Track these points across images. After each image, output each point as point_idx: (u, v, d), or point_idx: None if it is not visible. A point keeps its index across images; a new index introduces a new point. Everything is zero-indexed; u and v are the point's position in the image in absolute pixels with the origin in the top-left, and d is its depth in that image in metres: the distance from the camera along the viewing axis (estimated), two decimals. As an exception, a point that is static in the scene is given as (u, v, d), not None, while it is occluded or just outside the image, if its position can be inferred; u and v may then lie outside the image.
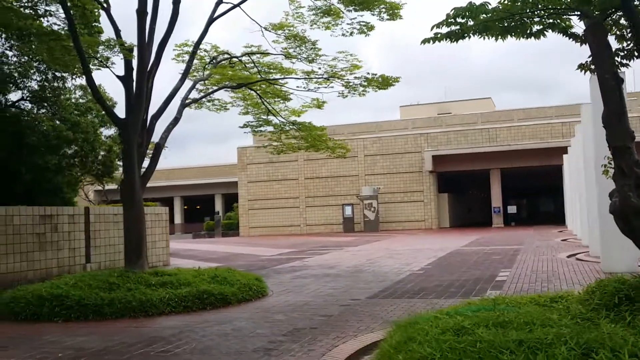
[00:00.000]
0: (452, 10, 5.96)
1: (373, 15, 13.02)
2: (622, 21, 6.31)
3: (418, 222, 41.00)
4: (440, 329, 5.24)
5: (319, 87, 14.35)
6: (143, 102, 10.96)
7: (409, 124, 56.16)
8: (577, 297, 6.24)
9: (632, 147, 5.28)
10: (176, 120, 12.21)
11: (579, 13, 5.81)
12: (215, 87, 14.29)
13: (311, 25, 14.50)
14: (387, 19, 12.99)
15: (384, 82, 13.67)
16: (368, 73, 13.67)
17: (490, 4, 5.94)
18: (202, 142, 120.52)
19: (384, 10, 12.75)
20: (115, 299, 9.20)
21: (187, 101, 12.88)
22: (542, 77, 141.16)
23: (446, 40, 6.41)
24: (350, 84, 13.95)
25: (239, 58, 14.49)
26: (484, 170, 41.25)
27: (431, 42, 6.45)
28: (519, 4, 5.81)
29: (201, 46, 14.70)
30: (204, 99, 14.47)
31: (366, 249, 22.32)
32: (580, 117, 48.37)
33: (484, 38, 6.52)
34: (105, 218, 16.31)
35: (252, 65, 14.61)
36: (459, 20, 6.03)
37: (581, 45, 6.46)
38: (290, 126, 15.45)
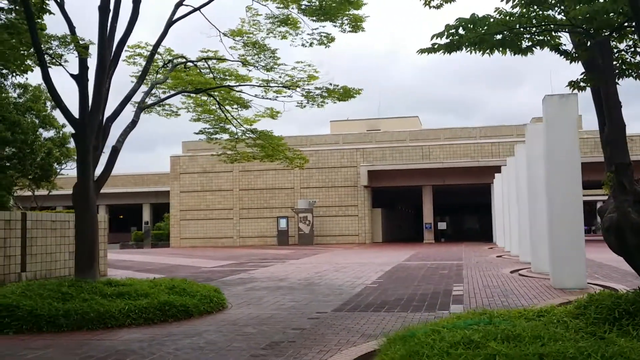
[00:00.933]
0: (456, 20, 5.94)
1: (335, 26, 12.97)
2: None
3: (352, 237, 41.21)
4: (448, 342, 5.14)
5: (277, 96, 14.16)
6: (102, 103, 10.46)
7: (340, 139, 56.71)
8: (564, 311, 6.29)
9: (632, 165, 5.39)
10: (134, 123, 11.71)
11: (579, 30, 5.91)
12: (173, 92, 13.83)
13: (267, 34, 14.32)
14: (350, 31, 12.98)
15: (345, 94, 13.62)
16: (330, 84, 13.62)
17: (492, 17, 5.96)
18: (127, 149, 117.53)
19: (347, 21, 12.73)
20: (71, 309, 8.64)
21: (143, 104, 12.39)
22: (462, 99, 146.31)
23: (442, 51, 6.40)
24: (311, 94, 13.83)
25: (195, 63, 14.10)
26: (416, 186, 42.01)
27: (427, 53, 6.43)
28: (524, 18, 5.84)
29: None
30: (158, 103, 13.96)
31: (309, 262, 22.15)
32: (506, 137, 49.40)
33: (475, 52, 6.56)
34: (43, 225, 15.45)
35: (208, 71, 14.25)
36: (460, 31, 6.01)
37: (571, 62, 6.60)
38: (249, 134, 15.13)
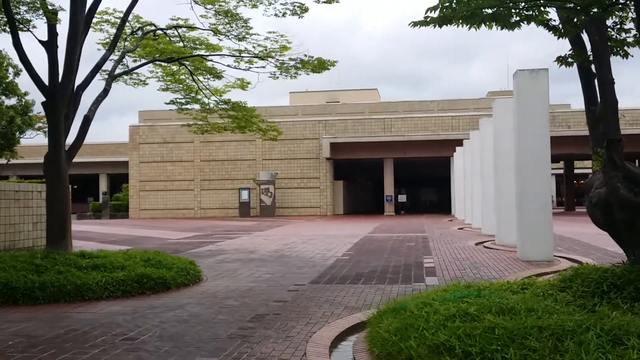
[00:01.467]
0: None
1: (308, -4, 12.79)
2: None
3: (314, 209, 41.36)
4: (443, 315, 5.22)
5: (250, 67, 13.93)
6: (74, 71, 10.13)
7: (300, 110, 56.55)
8: (548, 284, 6.45)
9: (622, 141, 5.51)
10: (105, 92, 11.38)
11: (571, 6, 5.97)
12: (144, 60, 13.47)
13: (238, 2, 14.03)
14: (324, 1, 12.81)
15: (320, 65, 13.49)
16: (305, 55, 13.47)
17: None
18: (78, 119, 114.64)
19: (321, -10, 12.55)
20: (47, 282, 8.46)
21: (115, 72, 12.05)
22: (417, 73, 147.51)
23: (434, 25, 6.39)
24: (285, 65, 13.65)
25: (164, 31, 13.75)
26: (378, 159, 42.27)
27: (419, 25, 6.41)
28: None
29: (120, 16, 13.87)
30: (130, 72, 13.59)
31: (275, 234, 22.16)
32: (464, 111, 50.02)
33: (463, 25, 6.57)
34: (6, 195, 15.00)
35: (178, 39, 13.93)
36: (453, 5, 6.01)
37: (559, 38, 6.67)
38: (222, 105, 14.89)
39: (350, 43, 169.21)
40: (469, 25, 6.54)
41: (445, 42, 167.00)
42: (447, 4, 6.01)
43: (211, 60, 13.98)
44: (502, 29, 6.66)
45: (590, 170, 55.08)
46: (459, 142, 32.89)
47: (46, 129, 27.69)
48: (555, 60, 6.73)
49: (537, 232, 12.72)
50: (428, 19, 6.24)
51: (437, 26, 6.36)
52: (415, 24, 6.34)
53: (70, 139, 11.14)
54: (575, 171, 56.79)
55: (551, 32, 6.62)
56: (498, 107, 16.84)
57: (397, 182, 48.64)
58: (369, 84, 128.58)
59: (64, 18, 10.48)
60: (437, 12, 6.20)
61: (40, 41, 10.61)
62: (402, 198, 45.95)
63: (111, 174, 56.26)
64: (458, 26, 6.58)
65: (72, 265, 9.31)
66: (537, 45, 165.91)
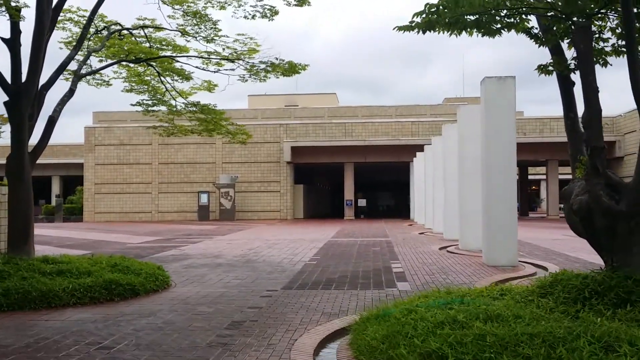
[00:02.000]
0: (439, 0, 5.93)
1: (281, -1, 12.68)
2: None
3: (274, 212, 41.16)
4: (431, 322, 5.20)
5: (219, 69, 13.73)
6: (39, 70, 9.80)
7: (259, 114, 56.34)
8: (526, 290, 6.50)
9: (605, 148, 5.59)
10: (71, 92, 11.04)
11: (552, 14, 6.04)
12: (111, 60, 13.14)
13: (205, 3, 13.84)
14: (295, 4, 12.72)
15: (291, 69, 13.37)
16: (276, 58, 13.34)
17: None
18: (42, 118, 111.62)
19: (293, -6, 12.48)
20: (10, 288, 8.15)
21: (80, 73, 11.70)
22: (374, 79, 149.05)
23: (418, 30, 6.39)
24: (255, 68, 13.50)
25: (130, 31, 13.45)
26: (339, 163, 42.36)
27: (404, 30, 6.40)
28: (507, 2, 5.90)
29: (84, 14, 13.54)
30: (97, 72, 13.23)
31: (237, 238, 21.93)
32: (422, 117, 50.57)
33: (444, 32, 6.59)
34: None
35: (145, 40, 13.64)
36: (441, 10, 6.01)
37: (539, 46, 6.75)
38: (191, 108, 14.62)
39: (307, 47, 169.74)
40: (450, 32, 6.57)
41: (401, 49, 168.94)
42: (433, 10, 6.01)
43: (180, 62, 13.75)
44: (483, 35, 6.71)
45: (542, 177, 56.15)
46: (418, 147, 33.23)
47: (1, 130, 26.82)
48: (535, 69, 6.80)
49: (503, 237, 12.89)
50: (413, 24, 6.23)
51: (421, 32, 6.36)
52: (400, 28, 6.33)
53: (34, 139, 10.78)
54: (529, 177, 58.06)
55: (532, 40, 6.69)
56: (463, 114, 17.04)
57: (356, 187, 48.86)
58: (326, 89, 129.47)
59: (27, 15, 10.13)
60: (422, 17, 6.19)
61: (2, 39, 10.24)
62: (362, 202, 46.14)
63: (64, 176, 54.85)
64: (439, 32, 6.59)
65: (36, 271, 9.00)
66: (489, 53, 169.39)
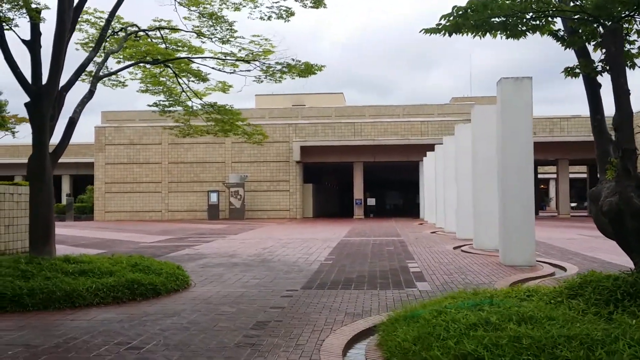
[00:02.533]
0: (467, 2, 5.94)
1: (296, 0, 12.71)
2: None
3: (283, 212, 41.21)
4: (463, 324, 5.20)
5: (235, 70, 13.76)
6: (60, 71, 9.85)
7: (266, 114, 56.33)
8: (553, 291, 6.50)
9: (637, 150, 5.59)
10: (91, 93, 11.10)
11: (578, 17, 6.03)
12: (129, 62, 13.19)
13: (220, 4, 13.87)
14: (311, 6, 12.75)
15: (307, 70, 13.39)
16: (293, 59, 13.36)
17: (499, 0, 5.99)
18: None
19: (309, -4, 12.49)
20: (35, 288, 8.20)
21: (100, 74, 11.76)
22: (380, 79, 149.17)
23: (444, 32, 6.39)
24: (271, 68, 13.52)
25: (147, 32, 13.50)
26: (348, 163, 42.36)
27: (430, 33, 6.41)
28: (527, 3, 5.90)
29: (101, 15, 13.60)
30: (116, 73, 13.28)
31: (250, 238, 21.98)
32: (430, 116, 50.64)
33: (468, 34, 6.59)
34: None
35: (161, 41, 13.69)
36: (468, 13, 6.01)
37: (565, 48, 6.74)
38: (208, 108, 14.65)
39: (315, 47, 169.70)
40: (475, 34, 6.58)
41: (406, 50, 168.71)
42: (460, 12, 6.02)
43: (196, 63, 13.79)
44: (507, 37, 6.71)
45: (551, 176, 56.01)
46: (428, 147, 33.23)
47: (15, 130, 27.05)
48: (562, 72, 6.81)
49: (520, 237, 12.87)
50: (440, 27, 6.24)
51: (447, 34, 6.36)
52: (427, 31, 6.33)
53: (54, 140, 10.84)
54: (538, 176, 57.88)
55: (559, 42, 6.69)
56: (477, 114, 17.00)
57: (365, 186, 48.90)
58: (333, 89, 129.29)
59: (46, 17, 10.18)
60: (450, 20, 6.20)
61: (23, 40, 10.30)
62: (371, 201, 46.15)
63: (74, 175, 55.09)
64: (464, 34, 6.60)
65: (58, 271, 9.06)
66: (493, 54, 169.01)
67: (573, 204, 55.46)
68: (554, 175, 51.53)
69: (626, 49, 6.56)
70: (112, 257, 10.61)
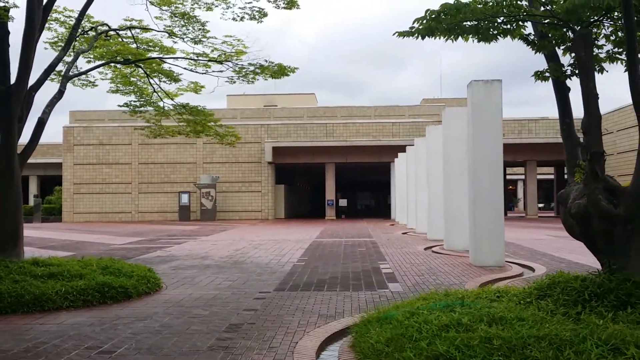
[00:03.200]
0: (440, 6, 6.01)
1: (269, 1, 12.69)
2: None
3: (255, 212, 41.09)
4: (435, 325, 5.26)
5: (207, 71, 13.68)
6: (29, 70, 9.69)
7: (238, 114, 56.19)
8: (523, 291, 6.60)
9: (605, 153, 5.71)
10: (60, 93, 10.93)
11: (548, 22, 6.14)
12: (99, 62, 13.02)
13: (192, 4, 13.79)
14: (284, 7, 12.74)
15: (280, 71, 13.38)
16: (265, 60, 13.34)
17: (471, 5, 6.07)
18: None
19: (282, -3, 12.48)
20: (3, 291, 8.07)
21: (70, 73, 11.59)
22: (348, 80, 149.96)
23: (417, 36, 6.45)
24: (244, 69, 13.47)
25: (118, 32, 13.35)
26: (320, 163, 42.41)
27: (404, 36, 6.46)
28: (498, 7, 5.99)
29: (70, 14, 13.43)
30: (86, 73, 13.09)
31: (222, 239, 21.87)
32: (401, 118, 50.92)
33: (441, 37, 6.66)
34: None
35: (132, 40, 13.55)
36: (441, 16, 6.08)
37: (536, 52, 6.86)
38: (180, 109, 14.53)
39: (284, 47, 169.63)
40: (447, 37, 6.65)
41: (376, 51, 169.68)
42: (433, 16, 6.08)
43: (168, 63, 13.68)
44: (479, 41, 6.81)
45: (519, 177, 56.82)
46: (399, 148, 33.45)
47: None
48: (532, 75, 6.92)
49: (490, 238, 13.03)
50: (413, 30, 6.30)
51: (420, 37, 6.42)
52: (400, 34, 6.39)
53: (22, 140, 10.66)
54: (507, 177, 58.67)
55: (529, 46, 6.80)
56: (448, 116, 17.18)
57: (337, 187, 49.02)
58: (303, 89, 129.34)
59: (15, 15, 10.00)
60: (423, 23, 6.26)
61: (-12, 39, 10.11)
62: (343, 202, 46.26)
63: (42, 176, 54.22)
64: (436, 38, 6.66)
65: (27, 274, 8.92)
66: (462, 56, 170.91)
67: (540, 205, 56.36)
68: (522, 177, 52.25)
69: (595, 54, 6.69)
70: (82, 259, 10.48)
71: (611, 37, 6.55)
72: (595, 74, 6.37)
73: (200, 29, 13.36)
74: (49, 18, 12.99)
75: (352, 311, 7.97)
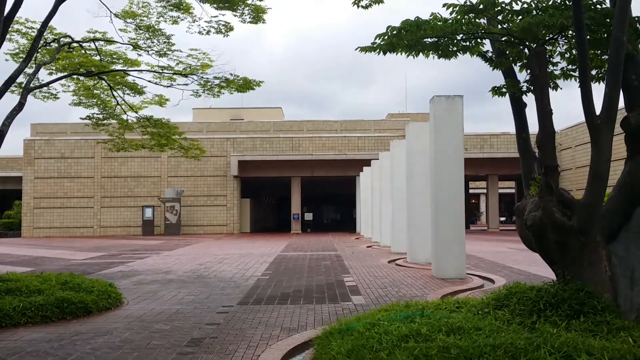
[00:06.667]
0: (401, 23, 6.14)
1: (235, 16, 12.75)
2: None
3: (220, 227, 40.83)
4: (395, 336, 5.32)
5: (172, 84, 13.63)
6: (-12, 83, 9.55)
7: (204, 127, 55.98)
8: (481, 302, 6.72)
9: (558, 167, 5.87)
10: (21, 105, 10.75)
11: (505, 39, 6.32)
12: (61, 74, 12.86)
13: (158, 17, 13.77)
14: (250, 22, 12.81)
15: (245, 85, 13.40)
16: (231, 74, 13.35)
17: (431, 22, 6.21)
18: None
19: (248, 11, 12.56)
20: (-41, 308, 7.88)
21: (31, 86, 11.43)
22: (316, 94, 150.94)
23: (379, 51, 6.57)
24: (209, 83, 13.46)
25: (81, 44, 13.24)
26: (285, 177, 42.40)
27: (366, 51, 6.58)
28: (457, 24, 6.14)
29: (32, 25, 13.29)
30: (47, 85, 12.91)
31: (186, 254, 21.68)
32: (366, 132, 51.27)
33: (403, 53, 6.80)
34: None
35: (95, 52, 13.44)
36: (402, 33, 6.21)
37: (493, 69, 7.04)
38: (144, 122, 14.41)
39: (250, 61, 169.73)
40: (408, 53, 6.79)
41: (342, 66, 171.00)
42: (394, 32, 6.21)
43: (132, 76, 13.60)
44: (439, 57, 6.96)
45: (481, 191, 57.64)
46: (365, 162, 33.70)
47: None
48: (490, 91, 7.10)
49: (452, 251, 13.21)
50: (375, 45, 6.42)
51: (381, 52, 6.54)
52: (362, 49, 6.50)
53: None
54: (470, 191, 59.51)
55: (487, 63, 6.98)
56: (411, 130, 17.40)
57: (303, 201, 49.02)
58: (270, 103, 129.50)
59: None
60: (384, 39, 6.38)
61: (-53, 50, 9.94)
62: (309, 216, 46.24)
63: (1, 190, 52.97)
64: (398, 54, 6.80)
65: (-17, 290, 8.72)
66: (428, 72, 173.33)
67: (502, 218, 57.22)
68: (484, 190, 53.01)
69: (550, 70, 6.90)
70: (40, 275, 10.29)
71: (566, 55, 6.77)
72: (550, 90, 6.57)
73: (165, 42, 13.34)
74: (10, 29, 12.85)
75: (315, 324, 7.99)
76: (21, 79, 12.19)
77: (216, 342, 6.95)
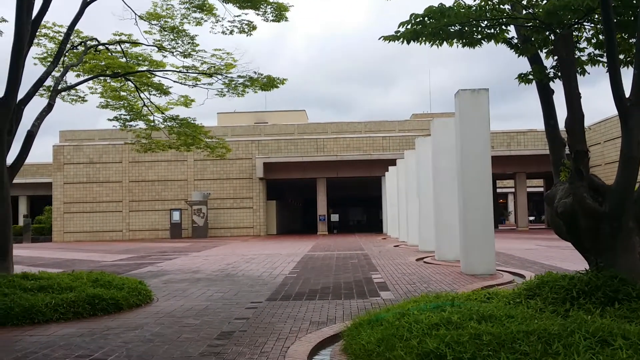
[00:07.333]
0: (425, 10, 6.09)
1: (258, 14, 12.81)
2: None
3: (247, 229, 41.00)
4: (425, 324, 5.28)
5: (197, 84, 13.75)
6: (18, 84, 9.70)
7: (229, 131, 56.23)
8: (512, 293, 6.64)
9: (589, 152, 5.78)
10: (50, 106, 10.95)
11: (531, 25, 6.24)
12: (88, 75, 13.06)
13: (182, 19, 13.89)
14: (272, 20, 12.85)
15: (269, 84, 13.46)
16: (255, 72, 13.43)
17: (456, 9, 6.16)
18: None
19: (270, 10, 12.60)
20: (-7, 305, 8.01)
21: (59, 88, 11.63)
22: (339, 97, 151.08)
23: (403, 40, 6.52)
24: (233, 82, 13.54)
25: (107, 46, 13.42)
26: (311, 179, 42.45)
27: (389, 40, 6.54)
28: (482, 11, 6.08)
29: (59, 29, 13.49)
30: (75, 87, 13.12)
31: (214, 254, 21.81)
32: (391, 132, 51.20)
33: (426, 42, 6.75)
34: None
35: (121, 55, 13.61)
36: (426, 20, 6.17)
37: (519, 56, 6.95)
38: (171, 122, 14.55)
39: (274, 66, 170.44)
40: (432, 42, 6.74)
41: (364, 68, 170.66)
42: (418, 20, 6.17)
43: (158, 76, 13.73)
44: (464, 46, 6.90)
45: (509, 190, 57.08)
46: (390, 162, 33.58)
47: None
48: (516, 78, 7.02)
49: (481, 246, 13.07)
50: (398, 34, 6.38)
51: (405, 41, 6.50)
52: (385, 38, 6.47)
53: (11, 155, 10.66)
54: (497, 190, 58.92)
55: (512, 49, 6.90)
56: (436, 127, 17.29)
57: (329, 202, 49.03)
58: (294, 106, 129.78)
59: (4, 30, 10.04)
60: (407, 27, 6.34)
61: (-21, 53, 10.13)
62: (335, 217, 46.23)
63: (32, 196, 53.88)
64: (421, 43, 6.75)
65: (16, 287, 8.87)
66: (448, 72, 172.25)
67: (531, 218, 56.51)
68: (512, 190, 52.46)
69: (577, 56, 6.79)
70: (72, 273, 10.43)
71: (592, 40, 6.67)
72: (578, 75, 6.46)
73: (189, 43, 13.45)
74: (38, 33, 13.06)
75: (344, 318, 7.97)
76: (49, 82, 12.39)
77: (245, 335, 6.97)
